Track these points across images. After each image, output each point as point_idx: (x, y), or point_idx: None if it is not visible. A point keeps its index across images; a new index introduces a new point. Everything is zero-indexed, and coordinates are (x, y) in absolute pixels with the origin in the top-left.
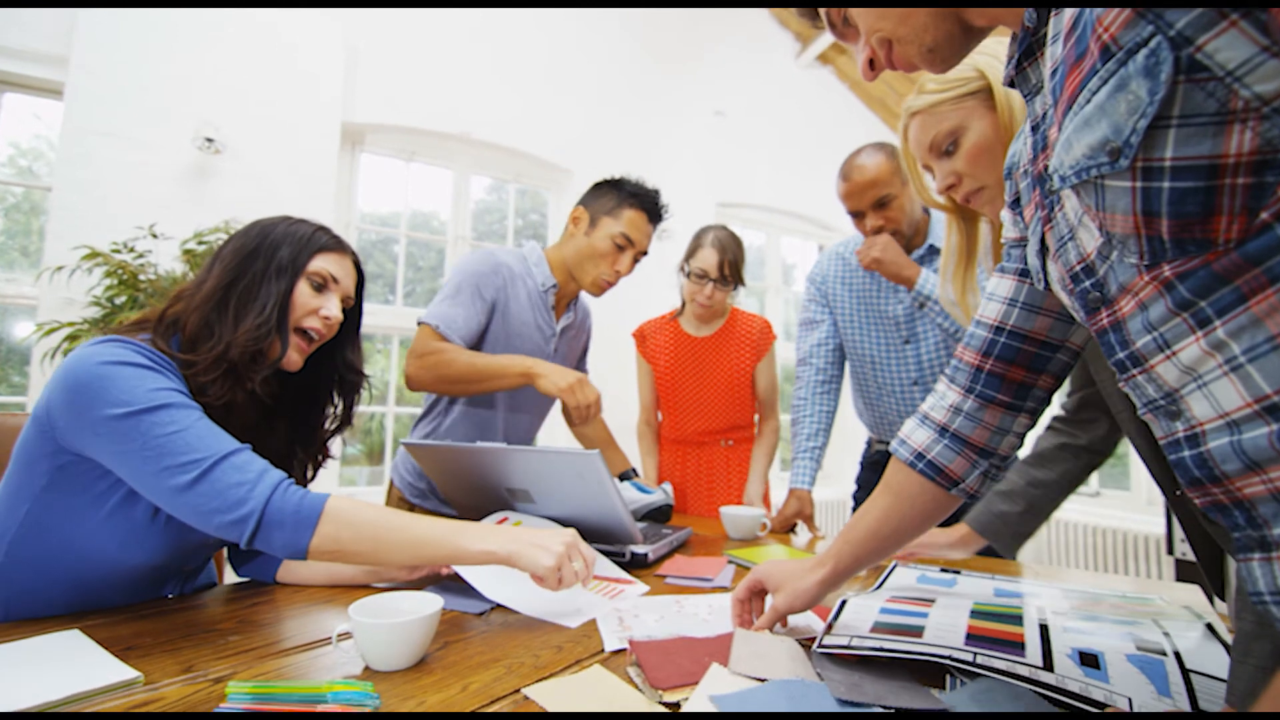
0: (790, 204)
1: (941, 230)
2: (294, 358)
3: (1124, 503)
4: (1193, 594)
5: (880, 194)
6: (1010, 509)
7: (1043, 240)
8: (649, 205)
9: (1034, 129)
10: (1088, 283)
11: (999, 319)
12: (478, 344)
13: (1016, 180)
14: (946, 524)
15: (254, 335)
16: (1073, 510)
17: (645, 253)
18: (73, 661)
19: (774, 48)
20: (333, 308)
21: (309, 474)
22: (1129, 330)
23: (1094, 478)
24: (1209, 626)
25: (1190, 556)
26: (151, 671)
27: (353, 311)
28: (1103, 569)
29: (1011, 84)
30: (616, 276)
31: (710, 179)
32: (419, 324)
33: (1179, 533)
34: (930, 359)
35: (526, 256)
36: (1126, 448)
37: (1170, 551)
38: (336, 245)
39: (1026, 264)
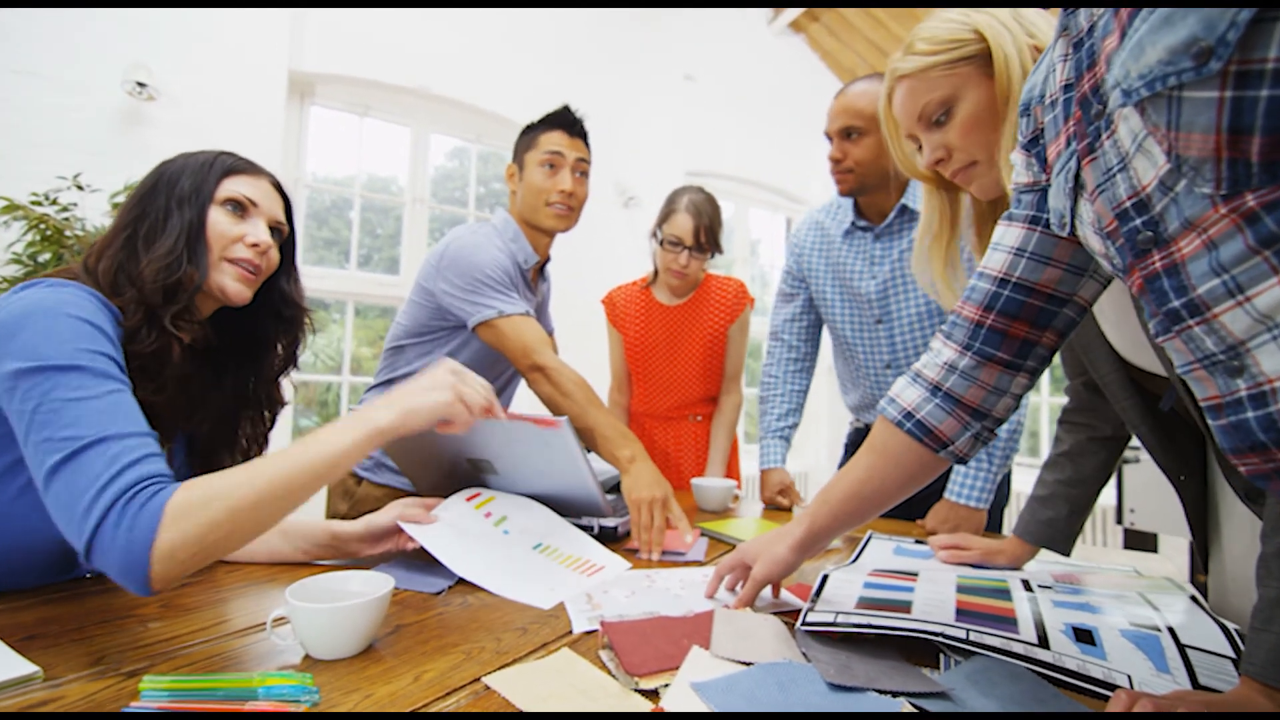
0: (759, 175)
1: (919, 190)
2: (236, 287)
3: None
4: (1164, 565)
5: (849, 124)
6: (1056, 514)
7: (1077, 176)
8: (560, 121)
9: (1076, 46)
10: (1139, 221)
11: (1004, 270)
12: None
13: (1037, 115)
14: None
15: (164, 264)
16: (1024, 482)
17: (586, 161)
18: None
19: (746, 12)
20: (259, 231)
21: (267, 424)
22: (1189, 274)
23: (1044, 450)
24: (1193, 599)
25: (1138, 526)
26: (54, 665)
27: (286, 241)
28: None
29: None
30: (565, 197)
31: (679, 146)
32: (499, 316)
33: (1129, 503)
34: (904, 341)
35: (503, 233)
36: None
37: (1119, 521)
38: (247, 166)
39: (1038, 210)
